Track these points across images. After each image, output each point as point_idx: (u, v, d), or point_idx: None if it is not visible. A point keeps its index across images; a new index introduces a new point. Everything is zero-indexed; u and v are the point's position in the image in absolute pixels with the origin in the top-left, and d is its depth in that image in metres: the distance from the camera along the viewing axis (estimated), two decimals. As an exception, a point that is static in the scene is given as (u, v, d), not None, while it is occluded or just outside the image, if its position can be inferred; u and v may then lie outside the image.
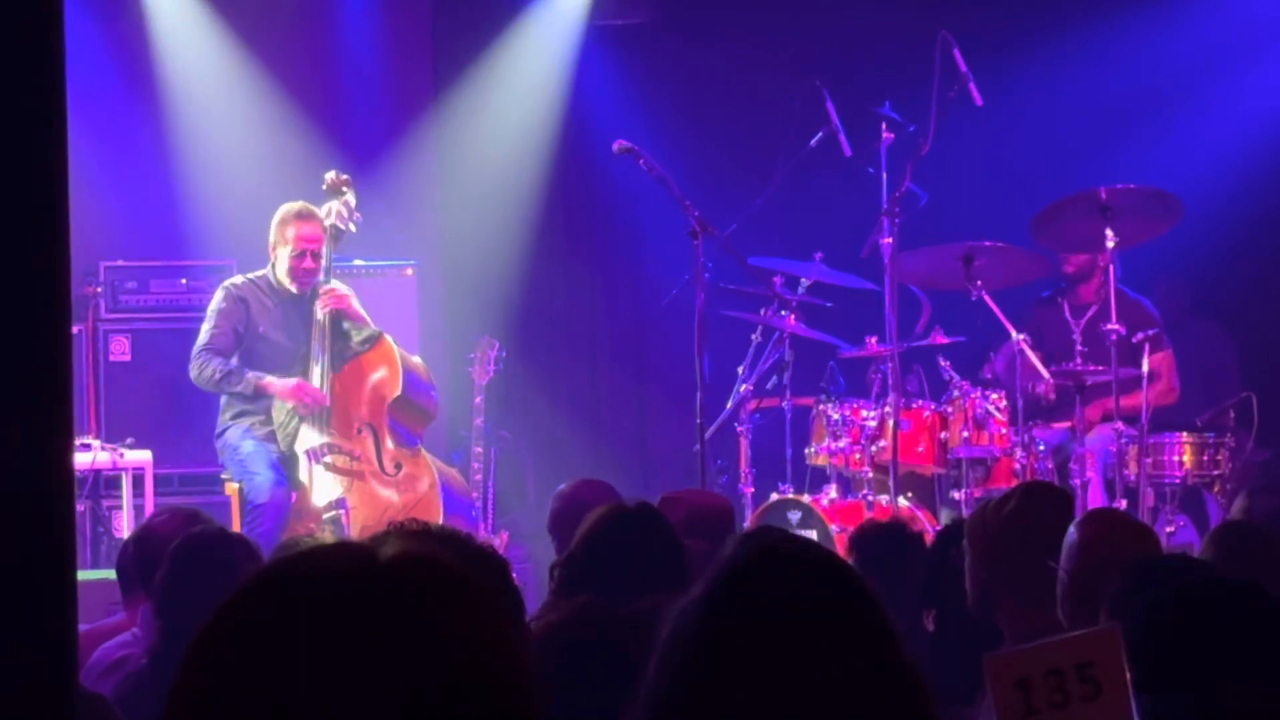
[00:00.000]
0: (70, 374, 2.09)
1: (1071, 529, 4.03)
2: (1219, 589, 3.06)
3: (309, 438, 8.09)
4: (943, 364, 8.28)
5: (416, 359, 8.51)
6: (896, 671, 2.08)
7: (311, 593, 1.41)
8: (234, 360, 8.15)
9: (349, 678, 1.36)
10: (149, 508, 8.23)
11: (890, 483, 7.83)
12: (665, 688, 2.06)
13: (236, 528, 7.72)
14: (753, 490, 8.37)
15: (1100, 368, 7.99)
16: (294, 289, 8.20)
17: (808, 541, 2.32)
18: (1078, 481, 7.97)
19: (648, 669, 2.09)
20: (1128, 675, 2.53)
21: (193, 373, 8.18)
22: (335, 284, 8.28)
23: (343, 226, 8.28)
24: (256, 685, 1.36)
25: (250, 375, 8.10)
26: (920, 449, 8.14)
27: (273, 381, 8.11)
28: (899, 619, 4.62)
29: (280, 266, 8.22)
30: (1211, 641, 2.92)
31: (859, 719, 2.03)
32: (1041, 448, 8.14)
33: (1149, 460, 8.09)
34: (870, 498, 7.95)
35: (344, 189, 8.31)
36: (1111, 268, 7.98)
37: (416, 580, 1.43)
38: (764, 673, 2.03)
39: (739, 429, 8.42)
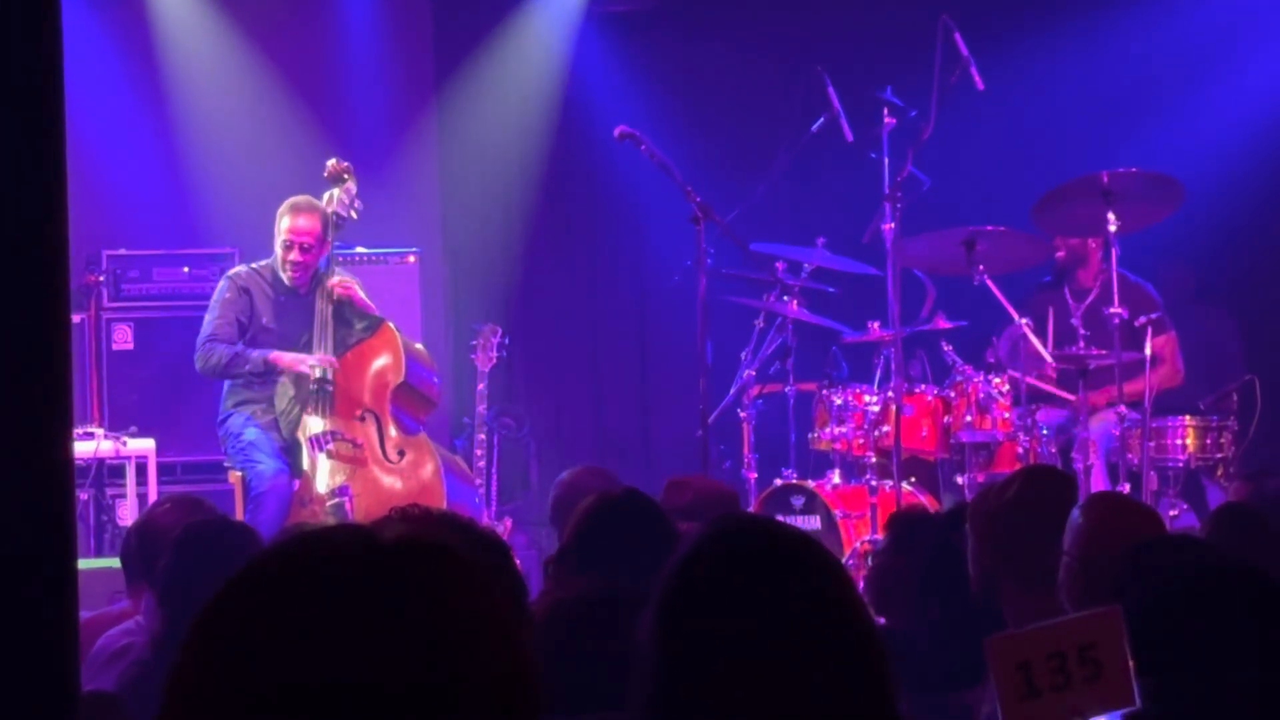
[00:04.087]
0: (69, 363, 2.09)
1: (1076, 512, 4.03)
2: (1219, 571, 3.06)
3: (311, 425, 8.09)
4: (945, 348, 8.28)
5: (419, 346, 8.51)
6: (862, 646, 2.08)
7: (312, 575, 1.40)
8: (239, 345, 8.16)
9: (348, 661, 1.36)
10: (152, 496, 8.24)
11: (893, 467, 7.83)
12: (646, 674, 2.08)
13: (240, 516, 7.73)
14: (756, 476, 8.37)
15: (1103, 352, 7.98)
16: (287, 282, 8.21)
17: (770, 521, 2.33)
18: (1081, 466, 7.96)
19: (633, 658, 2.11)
20: (1129, 656, 2.53)
21: (199, 363, 8.18)
22: (340, 275, 8.27)
23: (344, 214, 8.28)
24: (255, 667, 1.36)
25: (257, 353, 8.11)
26: (923, 434, 8.14)
27: (282, 355, 8.12)
28: (914, 603, 4.62)
29: (277, 258, 8.24)
30: (1212, 623, 2.92)
31: (823, 693, 2.04)
32: (1045, 432, 8.14)
33: (1152, 444, 8.09)
34: (874, 483, 7.95)
35: (345, 176, 8.31)
36: (1113, 251, 7.97)
37: (418, 563, 1.42)
38: (729, 652, 2.04)
39: (742, 415, 8.42)
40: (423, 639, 1.37)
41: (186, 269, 9.43)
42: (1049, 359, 8.15)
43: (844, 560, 7.75)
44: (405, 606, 1.39)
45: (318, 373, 8.09)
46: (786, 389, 8.43)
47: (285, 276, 8.20)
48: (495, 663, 1.41)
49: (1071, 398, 8.31)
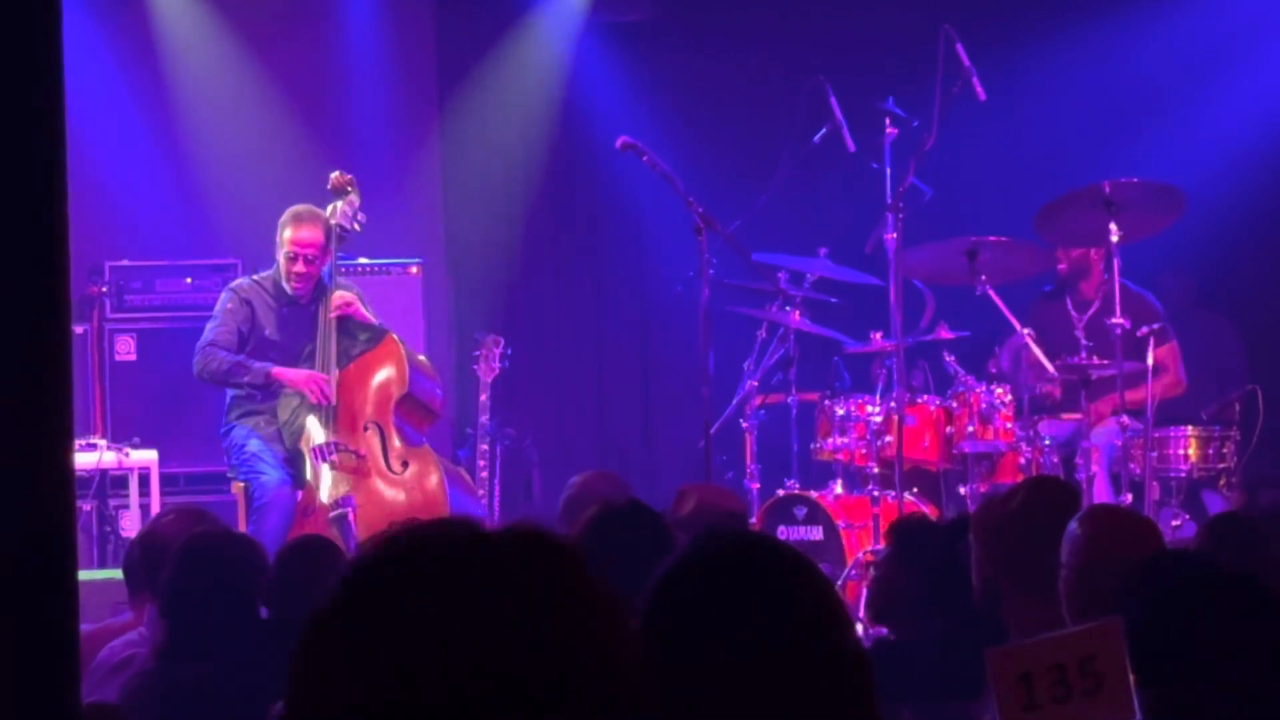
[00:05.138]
0: (70, 374, 2.09)
1: (1073, 524, 4.03)
2: (1220, 583, 3.06)
3: (314, 436, 8.08)
4: (948, 359, 8.28)
5: (422, 357, 8.51)
6: (842, 664, 2.08)
7: (437, 564, 1.44)
8: (241, 355, 8.16)
9: (475, 648, 1.39)
10: (155, 507, 8.24)
11: (896, 478, 7.83)
12: None
13: (242, 527, 7.72)
14: (758, 486, 8.37)
15: (1105, 362, 7.98)
16: (289, 292, 8.20)
17: (751, 538, 2.33)
18: (1083, 476, 7.96)
19: None
20: (1129, 669, 2.53)
21: (197, 366, 8.15)
22: (341, 287, 8.26)
23: (347, 226, 8.27)
24: (384, 656, 1.39)
25: (259, 365, 8.11)
26: (926, 444, 8.15)
27: (284, 370, 8.11)
28: (917, 613, 4.62)
29: (280, 269, 8.23)
30: (1213, 636, 2.92)
31: (804, 703, 2.05)
32: (1047, 442, 8.14)
33: (1154, 454, 8.08)
34: (876, 493, 7.95)
35: (348, 189, 8.30)
36: (1115, 261, 7.97)
37: (536, 550, 1.47)
38: (707, 668, 2.05)
39: (744, 425, 8.42)
40: (546, 627, 1.41)
41: (189, 280, 9.43)
42: (1051, 369, 8.15)
43: (847, 570, 7.75)
44: (527, 594, 1.43)
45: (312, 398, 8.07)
46: (789, 399, 8.43)
47: (288, 286, 8.19)
48: (614, 649, 1.44)
49: (1076, 417, 8.30)
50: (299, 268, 8.14)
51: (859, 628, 5.90)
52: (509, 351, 8.75)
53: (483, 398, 8.60)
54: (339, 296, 8.19)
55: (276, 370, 8.10)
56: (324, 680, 1.41)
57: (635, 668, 1.45)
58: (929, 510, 7.94)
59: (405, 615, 1.40)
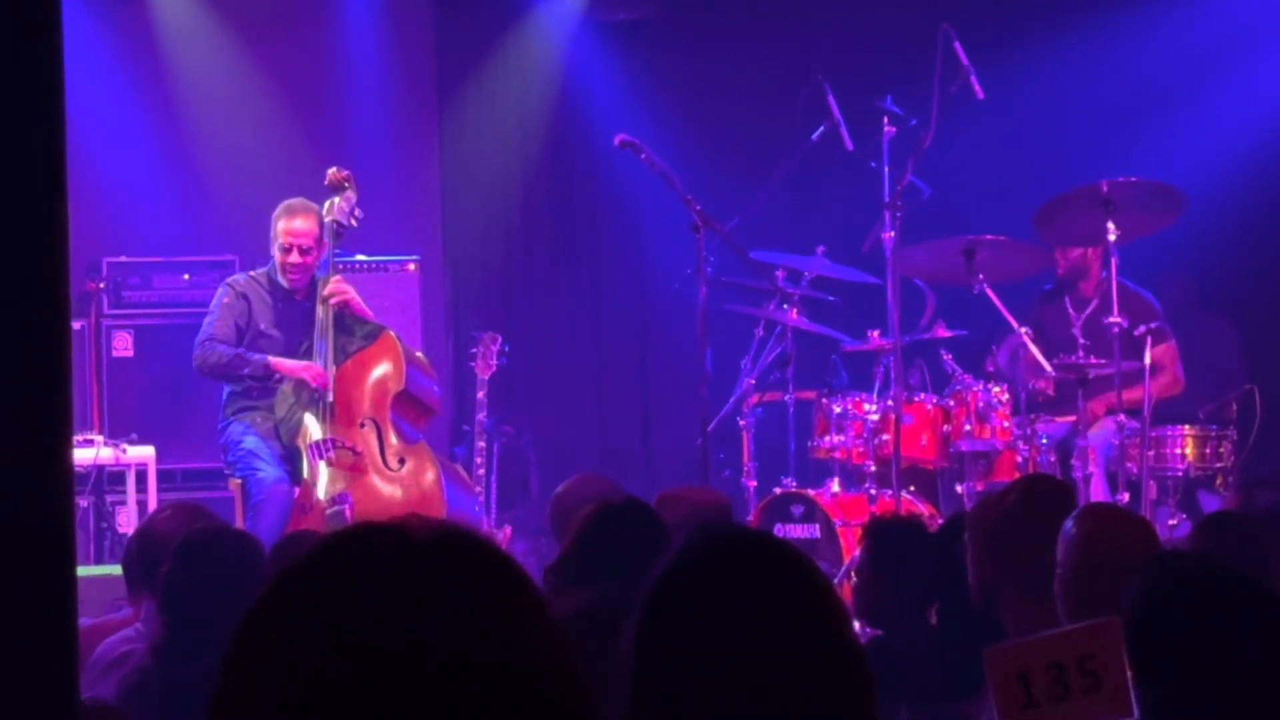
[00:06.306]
0: (69, 370, 2.10)
1: (1068, 524, 4.02)
2: (1216, 581, 3.06)
3: (312, 432, 8.08)
4: (945, 357, 8.29)
5: (419, 354, 8.51)
6: (842, 662, 2.08)
7: (363, 568, 1.42)
8: (240, 349, 8.16)
9: (403, 654, 1.37)
10: (152, 503, 8.24)
11: (893, 476, 7.83)
12: (625, 683, 2.09)
13: (239, 523, 7.73)
14: (755, 484, 8.37)
15: (1103, 361, 7.98)
16: (284, 285, 8.20)
17: (752, 533, 2.33)
18: (1080, 475, 7.96)
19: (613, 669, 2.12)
20: (1127, 668, 2.53)
21: (197, 360, 8.16)
22: (334, 278, 8.26)
23: (344, 222, 8.27)
24: (305, 662, 1.37)
25: (257, 357, 8.11)
26: (923, 442, 8.15)
27: (282, 361, 8.11)
28: (909, 612, 4.62)
29: (275, 262, 8.24)
30: (1210, 634, 2.92)
31: (802, 700, 2.05)
32: (1044, 441, 8.14)
33: (1151, 453, 8.08)
34: (873, 491, 7.96)
35: (345, 185, 8.30)
36: (1113, 260, 7.97)
37: (465, 556, 1.44)
38: (707, 664, 2.05)
39: (741, 423, 8.43)
40: (475, 632, 1.39)
41: (187, 276, 9.43)
42: (1048, 368, 8.15)
43: (844, 568, 7.75)
44: (452, 597, 1.40)
45: (311, 383, 8.07)
46: (786, 397, 8.43)
47: (284, 280, 8.20)
48: (546, 655, 1.42)
49: (1070, 419, 8.30)
50: (293, 258, 8.15)
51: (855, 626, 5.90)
52: (506, 349, 8.75)
53: (480, 395, 8.60)
54: (334, 281, 8.17)
55: (275, 361, 8.11)
56: (245, 694, 1.40)
57: (575, 676, 1.44)
58: (925, 509, 7.95)
59: (332, 627, 1.38)
